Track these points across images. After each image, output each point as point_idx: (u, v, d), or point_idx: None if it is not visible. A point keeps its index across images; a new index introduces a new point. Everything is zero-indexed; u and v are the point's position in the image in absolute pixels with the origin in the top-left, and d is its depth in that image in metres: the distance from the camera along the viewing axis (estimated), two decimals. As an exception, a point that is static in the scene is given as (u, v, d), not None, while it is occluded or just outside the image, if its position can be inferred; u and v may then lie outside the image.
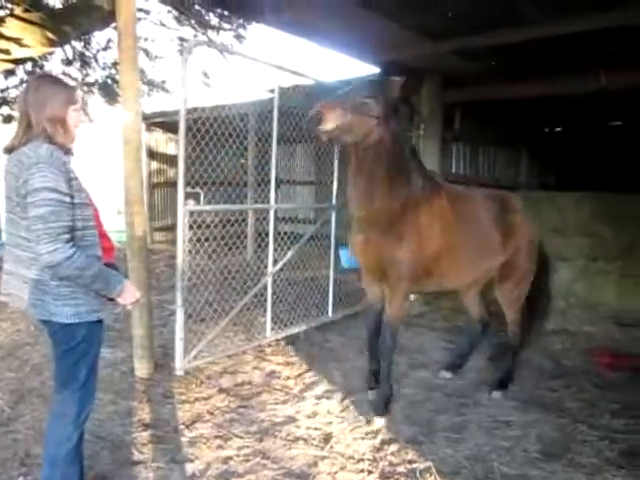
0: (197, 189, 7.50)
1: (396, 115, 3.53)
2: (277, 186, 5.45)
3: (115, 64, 10.53)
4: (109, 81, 11.28)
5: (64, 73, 10.82)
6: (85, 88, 11.53)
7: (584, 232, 7.77)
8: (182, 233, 4.18)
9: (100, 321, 2.49)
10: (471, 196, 4.32)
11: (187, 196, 4.18)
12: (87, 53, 10.81)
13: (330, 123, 3.17)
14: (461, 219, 3.91)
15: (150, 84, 10.99)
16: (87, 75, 11.09)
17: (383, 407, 3.83)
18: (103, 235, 2.55)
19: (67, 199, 2.23)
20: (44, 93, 2.32)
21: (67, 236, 2.21)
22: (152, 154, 12.55)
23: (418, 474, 3.07)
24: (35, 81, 2.47)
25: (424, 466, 3.15)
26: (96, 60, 10.97)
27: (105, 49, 10.90)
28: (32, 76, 2.57)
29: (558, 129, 13.51)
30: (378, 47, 6.82)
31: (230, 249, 6.26)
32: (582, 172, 13.25)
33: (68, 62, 10.60)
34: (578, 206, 7.91)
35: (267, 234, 5.33)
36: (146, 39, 10.76)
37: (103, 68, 11.09)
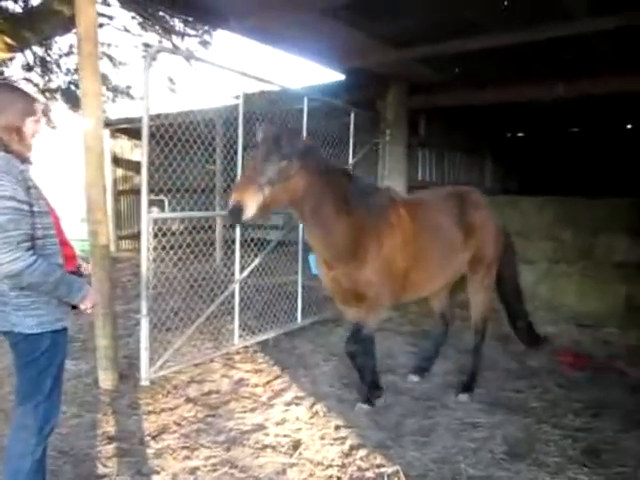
0: (161, 196, 7.41)
1: (312, 156, 3.40)
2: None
3: (77, 69, 10.36)
4: (72, 87, 11.06)
5: (25, 79, 10.58)
6: (47, 94, 11.29)
7: (546, 236, 7.98)
8: (146, 241, 4.12)
9: (64, 329, 2.45)
10: (429, 201, 4.37)
11: (151, 204, 4.12)
12: (48, 58, 10.59)
13: (251, 208, 3.03)
14: (422, 228, 3.97)
15: (115, 90, 10.83)
16: (49, 81, 10.87)
17: (375, 397, 4.03)
18: (65, 243, 2.51)
19: (25, 207, 2.20)
20: (0, 102, 2.29)
21: (27, 244, 2.18)
22: (117, 161, 12.35)
23: (386, 478, 3.08)
24: None
25: (392, 470, 3.16)
26: (58, 66, 10.77)
27: (67, 54, 10.71)
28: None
29: (520, 135, 13.85)
30: (343, 54, 6.88)
31: (196, 257, 6.20)
32: (543, 177, 13.61)
33: (29, 68, 10.37)
34: (541, 210, 8.12)
35: (233, 241, 5.30)
36: (109, 45, 10.61)
37: (66, 74, 10.89)
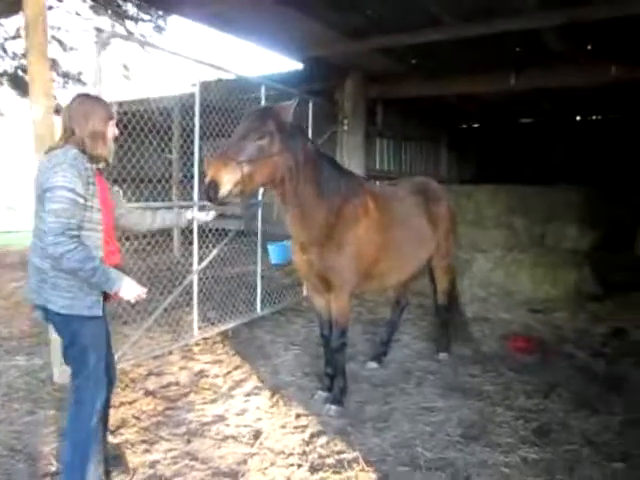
0: (115, 187, 7.22)
1: (295, 136, 3.39)
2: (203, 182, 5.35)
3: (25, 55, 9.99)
4: (19, 72, 10.65)
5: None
6: (-7, 79, 10.84)
7: (500, 224, 8.22)
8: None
9: (97, 317, 2.62)
10: (395, 192, 4.48)
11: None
12: (-7, 42, 10.16)
13: (227, 185, 2.95)
14: (392, 217, 4.04)
15: (65, 76, 10.50)
16: (-6, 65, 10.43)
17: (341, 399, 3.89)
18: (111, 239, 2.74)
19: (81, 200, 2.44)
20: (86, 109, 2.58)
21: (73, 232, 2.40)
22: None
23: (346, 465, 3.13)
24: (77, 98, 2.68)
25: (352, 456, 3.22)
26: (4, 49, 10.35)
27: (14, 38, 10.30)
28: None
29: (475, 125, 14.14)
30: (302, 44, 6.86)
31: (154, 248, 6.10)
32: (498, 166, 13.96)
33: (-27, 51, 9.92)
34: (494, 199, 8.34)
35: (191, 232, 5.23)
36: (59, 29, 10.25)
37: (12, 58, 10.48)
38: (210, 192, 2.96)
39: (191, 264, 5.58)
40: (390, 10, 5.60)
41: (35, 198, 2.55)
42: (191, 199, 5.30)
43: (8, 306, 6.52)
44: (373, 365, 4.66)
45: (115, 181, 6.50)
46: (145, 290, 2.67)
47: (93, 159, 2.57)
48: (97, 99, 2.76)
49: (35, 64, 3.90)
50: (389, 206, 4.10)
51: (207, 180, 2.97)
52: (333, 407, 3.81)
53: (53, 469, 3.06)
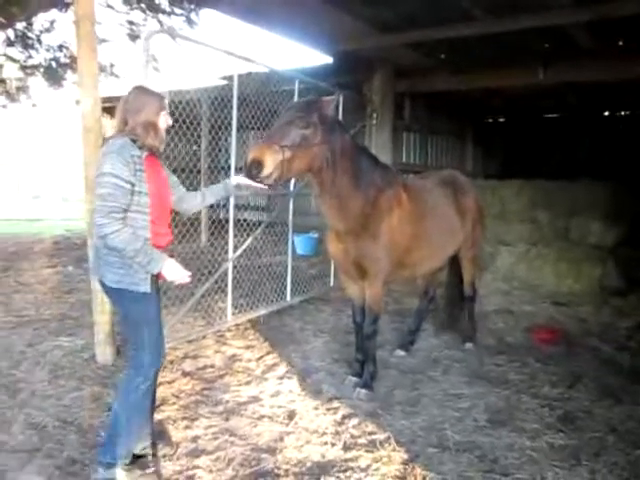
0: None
1: (335, 129, 3.53)
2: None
3: (61, 47, 10.20)
4: (53, 64, 10.87)
5: (5, 55, 10.39)
6: (28, 71, 11.10)
7: (524, 218, 8.25)
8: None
9: (147, 294, 2.77)
10: (425, 184, 4.63)
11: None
12: (29, 34, 10.40)
13: (269, 166, 3.08)
14: (424, 209, 4.20)
15: (99, 69, 10.72)
16: (30, 57, 10.68)
17: (371, 383, 4.05)
18: (161, 221, 2.86)
19: (127, 186, 2.60)
20: (140, 102, 2.74)
21: (118, 215, 2.58)
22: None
23: (378, 444, 3.28)
24: (133, 92, 2.83)
25: (383, 437, 3.37)
26: (39, 42, 10.58)
27: (49, 30, 10.51)
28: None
29: (501, 120, 14.09)
30: (332, 38, 6.97)
31: (184, 236, 6.28)
32: (523, 160, 13.89)
33: (10, 43, 10.18)
34: (519, 194, 8.37)
35: (219, 222, 5.40)
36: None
37: (47, 50, 10.70)
38: (252, 171, 3.08)
39: (219, 253, 5.77)
40: (421, 5, 5.68)
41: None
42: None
43: (45, 291, 6.78)
44: (401, 353, 4.80)
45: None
46: (189, 274, 2.81)
47: (144, 147, 2.70)
48: (151, 92, 2.89)
49: (84, 58, 4.08)
50: (420, 197, 4.25)
51: (249, 159, 3.09)
52: (363, 391, 3.96)
53: (102, 440, 3.25)
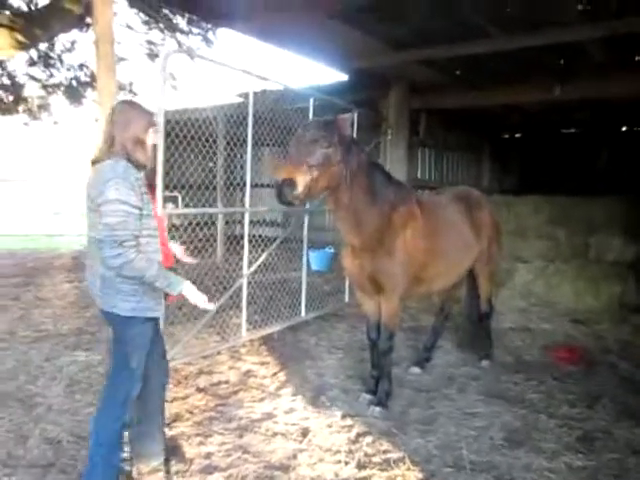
0: (175, 192, 7.52)
1: (352, 148, 3.58)
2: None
3: (82, 66, 10.43)
4: (73, 83, 11.11)
5: (27, 74, 10.64)
6: (49, 89, 11.35)
7: (541, 235, 8.17)
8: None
9: (154, 319, 2.82)
10: (440, 200, 4.66)
11: (165, 200, 4.26)
12: (51, 54, 10.67)
13: (301, 185, 3.19)
14: (438, 224, 4.21)
15: (117, 87, 10.95)
16: (51, 76, 10.94)
17: (386, 401, 4.02)
18: (164, 243, 2.89)
19: (136, 211, 2.54)
20: (129, 116, 2.65)
21: (131, 243, 2.50)
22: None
23: (392, 463, 3.25)
24: (120, 105, 2.79)
25: (397, 456, 3.33)
26: (61, 61, 10.84)
27: (70, 50, 10.77)
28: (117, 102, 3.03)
29: (517, 135, 14.05)
30: (347, 55, 7.04)
31: (200, 252, 6.33)
32: (540, 176, 13.80)
33: (32, 63, 10.44)
34: (536, 210, 8.30)
35: (234, 237, 5.43)
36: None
37: (68, 69, 10.95)
38: (285, 190, 3.17)
39: (234, 269, 5.79)
40: (435, 22, 5.73)
41: (87, 209, 2.65)
42: (232, 204, 5.51)
43: (64, 305, 6.85)
44: (416, 370, 4.75)
45: (166, 187, 6.82)
46: (205, 299, 2.80)
47: (139, 167, 2.66)
48: (140, 107, 2.78)
49: (103, 77, 4.18)
50: (435, 213, 4.26)
51: (281, 178, 3.17)
52: (377, 409, 3.93)
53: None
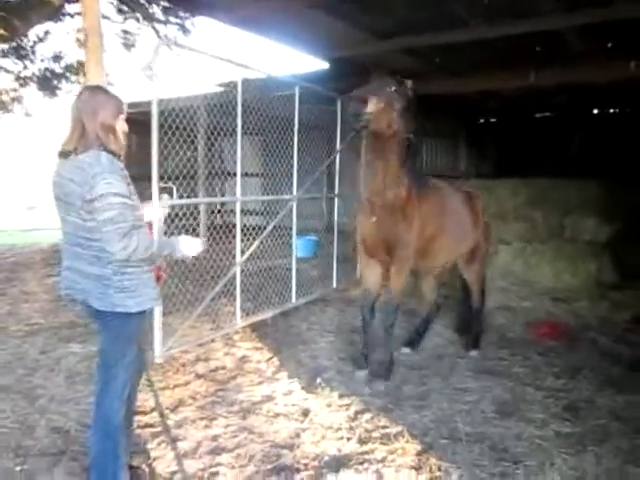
0: (169, 184, 7.48)
1: (408, 112, 3.94)
2: (226, 179, 5.64)
3: (56, 57, 10.28)
4: (47, 74, 10.93)
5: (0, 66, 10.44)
6: (22, 81, 11.15)
7: (519, 217, 8.42)
8: (157, 228, 4.17)
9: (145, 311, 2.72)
10: (449, 188, 4.95)
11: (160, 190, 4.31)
12: (24, 45, 10.47)
13: (370, 106, 3.52)
14: (447, 207, 4.55)
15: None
16: (25, 68, 10.75)
17: (388, 372, 4.25)
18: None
19: (129, 201, 2.47)
20: (96, 102, 2.51)
21: (133, 231, 2.45)
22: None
23: (392, 437, 3.41)
24: (87, 90, 2.64)
25: (396, 430, 3.49)
26: (33, 53, 10.64)
27: (42, 40, 10.58)
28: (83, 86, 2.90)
29: (493, 120, 14.29)
30: (329, 45, 7.11)
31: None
32: (516, 160, 14.08)
33: (4, 54, 10.24)
34: (514, 193, 8.54)
35: (214, 227, 5.50)
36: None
37: (41, 60, 10.77)
38: (358, 106, 3.51)
39: (221, 259, 5.89)
40: (417, 12, 5.83)
41: (62, 206, 2.52)
42: (212, 194, 5.58)
43: (52, 299, 6.83)
44: (407, 350, 4.93)
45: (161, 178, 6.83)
46: (203, 241, 2.84)
47: (116, 156, 2.54)
48: (108, 92, 2.66)
49: (92, 70, 4.20)
50: (445, 197, 4.65)
51: (357, 96, 3.54)
52: (361, 373, 4.24)
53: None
